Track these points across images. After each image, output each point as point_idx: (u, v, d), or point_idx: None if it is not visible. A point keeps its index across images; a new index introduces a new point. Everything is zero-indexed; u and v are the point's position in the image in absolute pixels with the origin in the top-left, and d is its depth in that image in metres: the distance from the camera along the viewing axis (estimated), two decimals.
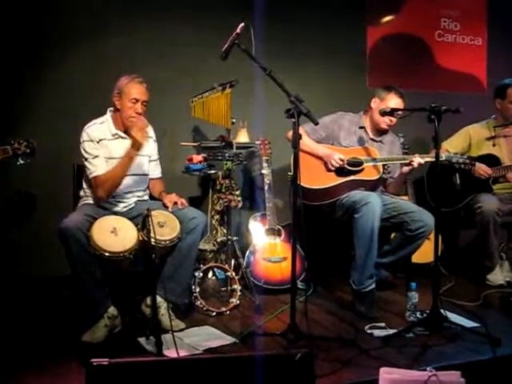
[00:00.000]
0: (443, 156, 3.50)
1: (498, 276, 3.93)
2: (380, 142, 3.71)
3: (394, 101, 3.54)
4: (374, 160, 3.52)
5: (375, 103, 3.62)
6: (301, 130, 3.33)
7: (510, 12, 5.10)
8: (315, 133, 3.58)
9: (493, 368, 2.56)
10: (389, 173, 3.69)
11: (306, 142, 3.51)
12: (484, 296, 3.63)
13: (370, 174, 3.52)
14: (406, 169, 3.50)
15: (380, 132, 3.69)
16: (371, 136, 3.69)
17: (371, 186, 3.52)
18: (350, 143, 3.63)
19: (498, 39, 5.14)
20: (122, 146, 3.13)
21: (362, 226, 3.27)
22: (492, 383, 2.46)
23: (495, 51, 5.15)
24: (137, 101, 3.08)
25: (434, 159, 3.30)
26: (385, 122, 3.59)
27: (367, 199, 3.28)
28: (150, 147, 3.33)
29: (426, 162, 3.50)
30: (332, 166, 3.49)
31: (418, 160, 3.43)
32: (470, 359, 2.59)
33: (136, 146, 3.01)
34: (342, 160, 3.48)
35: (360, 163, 3.51)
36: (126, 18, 3.96)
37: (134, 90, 3.07)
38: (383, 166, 3.57)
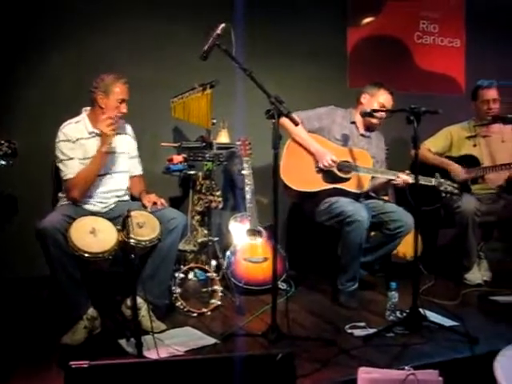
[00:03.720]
0: (432, 181, 3.46)
1: (476, 275, 3.97)
2: (369, 137, 3.74)
3: (384, 96, 3.61)
4: (364, 170, 3.51)
5: (365, 99, 3.66)
6: (295, 118, 3.34)
7: (488, 14, 5.16)
8: (309, 123, 3.57)
9: (471, 366, 2.58)
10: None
11: (301, 133, 3.51)
12: (462, 295, 3.67)
13: (355, 185, 3.51)
14: (393, 182, 3.49)
15: (369, 128, 3.72)
16: (361, 131, 3.71)
17: (355, 196, 3.53)
18: (341, 138, 3.63)
19: (476, 41, 5.19)
20: (99, 144, 3.12)
21: (351, 240, 3.34)
22: (470, 381, 2.48)
23: (473, 53, 5.21)
24: (123, 101, 3.09)
25: (426, 183, 3.37)
26: (376, 117, 3.61)
27: (358, 215, 3.30)
28: (128, 144, 3.32)
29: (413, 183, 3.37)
30: (323, 166, 3.48)
31: (406, 178, 3.42)
32: (449, 357, 2.62)
33: (105, 140, 3.00)
34: (334, 161, 3.47)
35: (349, 170, 3.50)
36: (109, 18, 3.94)
37: (120, 89, 3.08)
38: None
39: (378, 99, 3.60)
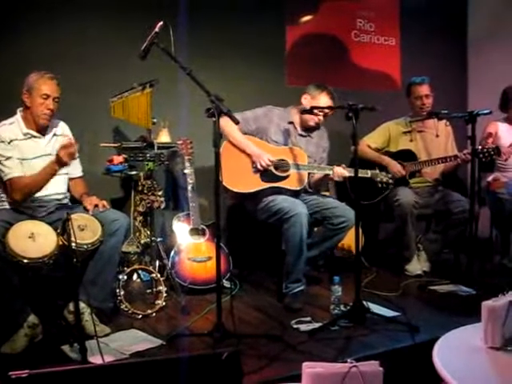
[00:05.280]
0: (368, 173, 3.56)
1: (415, 266, 4.09)
2: (308, 136, 3.75)
3: (324, 100, 3.59)
4: (300, 167, 3.54)
5: (306, 100, 3.65)
6: (235, 116, 3.33)
7: (421, 14, 5.32)
8: (246, 124, 3.56)
9: (413, 354, 2.66)
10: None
11: (237, 136, 3.52)
12: (403, 286, 3.78)
13: (293, 182, 3.54)
14: (330, 176, 3.54)
15: (307, 127, 3.72)
16: (299, 131, 3.72)
17: (294, 193, 3.56)
18: (279, 138, 3.64)
19: (409, 40, 5.34)
20: (35, 145, 3.05)
21: (291, 237, 3.34)
22: (412, 369, 2.56)
23: (408, 51, 5.35)
24: (48, 96, 2.99)
25: (363, 175, 3.44)
26: (313, 119, 3.64)
27: (294, 210, 3.32)
28: None
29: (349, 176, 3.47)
30: (260, 166, 3.49)
31: (341, 172, 3.47)
32: (392, 347, 2.70)
33: (60, 165, 2.90)
34: (270, 161, 3.49)
35: (287, 168, 3.53)
36: (45, 16, 3.82)
37: (44, 86, 2.99)
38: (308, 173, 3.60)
39: (318, 102, 3.58)
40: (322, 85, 3.65)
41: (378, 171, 3.65)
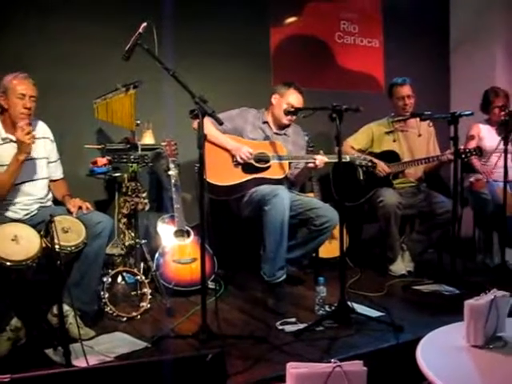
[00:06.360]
0: (347, 157, 3.64)
1: (399, 266, 4.12)
2: (284, 134, 3.81)
3: (293, 96, 3.69)
4: (280, 158, 3.62)
5: (276, 99, 3.74)
6: (208, 121, 3.34)
7: (404, 16, 5.36)
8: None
9: (396, 354, 2.68)
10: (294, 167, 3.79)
11: (215, 134, 3.55)
12: (388, 286, 3.80)
13: (275, 172, 3.61)
14: (311, 165, 3.57)
15: (282, 126, 3.79)
16: (275, 130, 3.79)
17: (276, 183, 3.59)
18: (255, 136, 3.71)
19: (392, 42, 5.38)
20: (14, 150, 2.98)
21: (272, 218, 3.32)
22: (395, 368, 2.58)
23: (391, 53, 5.39)
24: (24, 96, 2.97)
25: (343, 160, 3.44)
26: (287, 117, 3.70)
27: (276, 191, 3.35)
28: (48, 148, 3.22)
29: (330, 162, 3.60)
30: (241, 158, 3.53)
31: (321, 159, 3.53)
32: (376, 347, 2.71)
33: (23, 149, 2.86)
34: (250, 153, 3.54)
35: (267, 159, 3.59)
36: (27, 17, 3.78)
37: (19, 86, 2.97)
38: (289, 163, 3.67)
39: (288, 99, 3.68)
40: (289, 82, 3.75)
41: (356, 155, 3.81)
